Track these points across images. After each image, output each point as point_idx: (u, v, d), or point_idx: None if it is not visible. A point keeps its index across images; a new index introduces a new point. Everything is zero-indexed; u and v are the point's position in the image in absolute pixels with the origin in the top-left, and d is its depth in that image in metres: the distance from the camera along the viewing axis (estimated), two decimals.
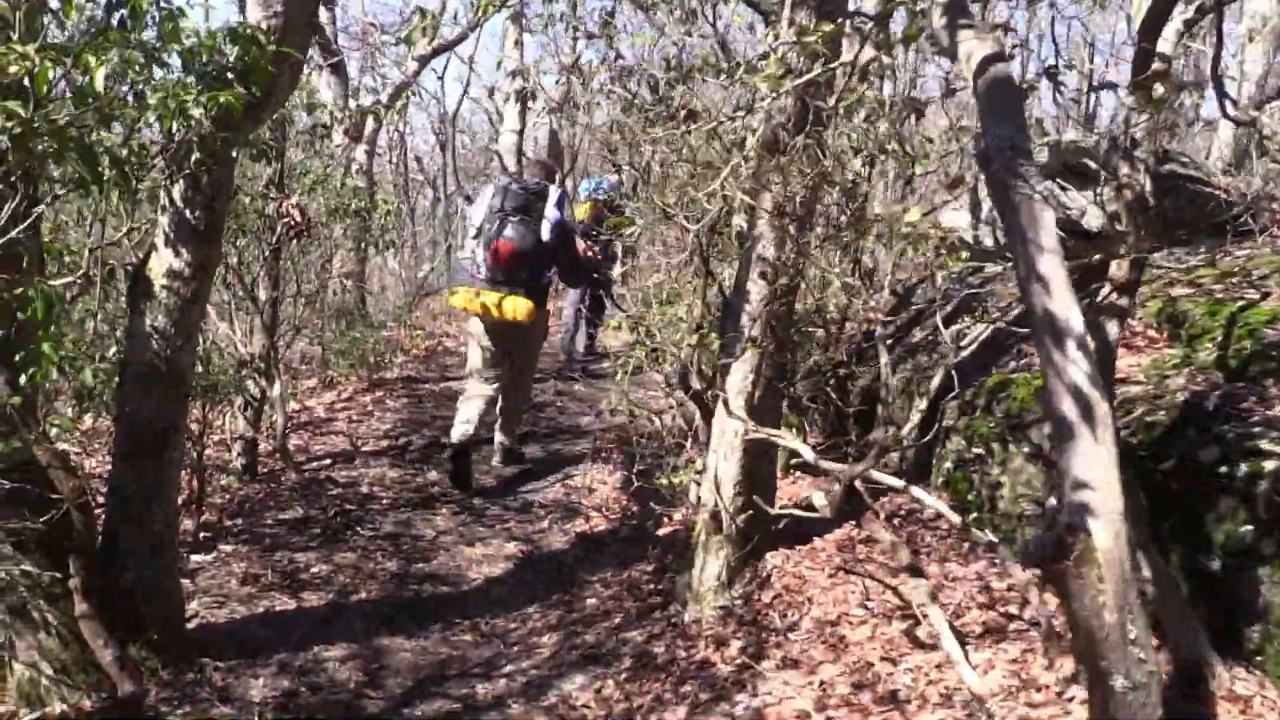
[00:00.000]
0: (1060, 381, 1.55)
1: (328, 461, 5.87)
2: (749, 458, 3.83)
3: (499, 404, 5.62)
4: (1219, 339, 3.70)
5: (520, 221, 5.11)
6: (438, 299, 13.31)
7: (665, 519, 4.98)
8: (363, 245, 6.75)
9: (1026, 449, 3.81)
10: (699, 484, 4.87)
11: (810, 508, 3.01)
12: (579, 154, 14.53)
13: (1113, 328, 2.61)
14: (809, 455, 2.99)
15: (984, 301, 5.26)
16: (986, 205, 5.96)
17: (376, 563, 4.54)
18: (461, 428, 5.40)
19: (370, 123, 11.42)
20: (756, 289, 3.70)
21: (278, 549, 4.56)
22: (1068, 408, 1.55)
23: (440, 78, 13.71)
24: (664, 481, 4.75)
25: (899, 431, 2.96)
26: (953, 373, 4.54)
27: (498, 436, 5.81)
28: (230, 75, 2.56)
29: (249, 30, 2.59)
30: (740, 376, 3.74)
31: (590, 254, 6.74)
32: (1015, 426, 3.92)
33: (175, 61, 2.49)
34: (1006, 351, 4.71)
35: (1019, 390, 4.05)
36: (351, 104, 11.83)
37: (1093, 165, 5.59)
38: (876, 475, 2.83)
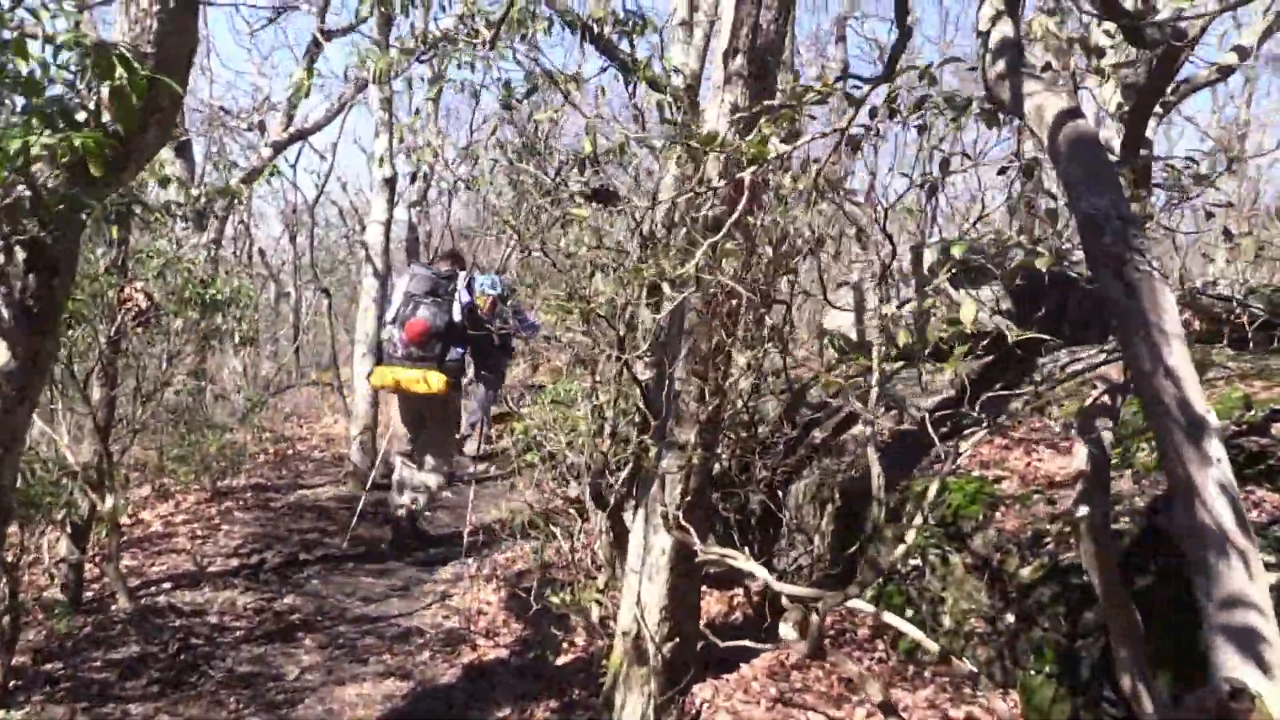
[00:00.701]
0: (1200, 488, 1.25)
1: (168, 586, 5.08)
2: (676, 577, 3.41)
3: (422, 466, 6.05)
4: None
5: (433, 303, 5.55)
6: (288, 398, 12.49)
7: (565, 645, 4.47)
8: (208, 340, 6.05)
9: (969, 560, 3.56)
10: (601, 604, 4.42)
11: (776, 640, 2.61)
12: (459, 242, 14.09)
13: (1108, 434, 2.38)
14: (769, 579, 2.61)
15: (898, 399, 5.07)
16: (872, 301, 5.86)
17: (230, 711, 3.83)
18: (407, 501, 6.00)
19: (216, 209, 10.71)
20: (687, 387, 3.34)
21: (107, 699, 3.79)
22: (1211, 518, 1.25)
23: (293, 166, 13.05)
24: (557, 600, 4.27)
25: (893, 555, 2.60)
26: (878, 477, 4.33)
27: (420, 496, 6.12)
28: (87, 112, 2.05)
29: (116, 51, 2.08)
30: (671, 486, 3.35)
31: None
32: (954, 535, 3.67)
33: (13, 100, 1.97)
34: (923, 452, 4.51)
35: (955, 495, 3.81)
36: (194, 191, 11.11)
37: (982, 262, 5.60)
38: (855, 602, 2.47)
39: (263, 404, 8.23)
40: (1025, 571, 3.23)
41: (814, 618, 2.42)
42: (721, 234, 2.41)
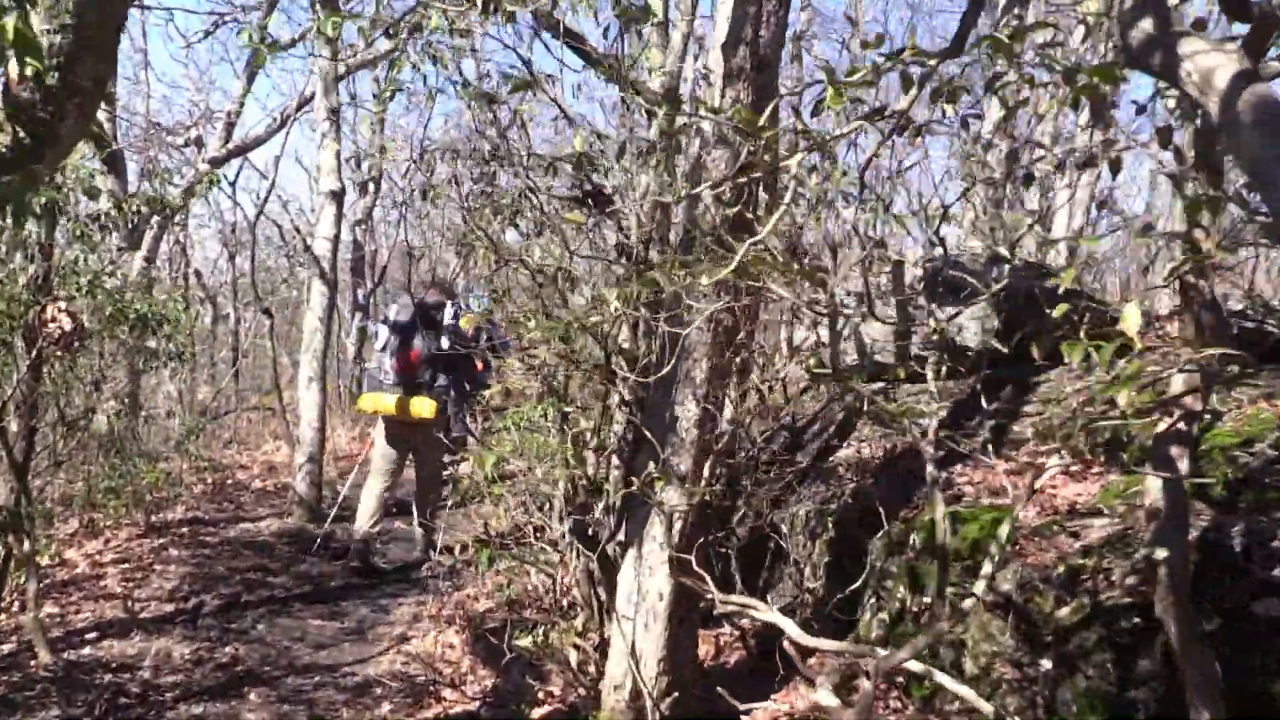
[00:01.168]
0: None
1: (94, 636, 4.59)
2: (674, 625, 3.07)
3: (416, 498, 6.31)
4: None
5: (423, 333, 5.76)
6: (226, 424, 11.88)
7: (541, 695, 4.09)
8: (139, 361, 5.57)
9: (990, 598, 3.26)
10: (579, 648, 4.05)
11: (818, 709, 2.27)
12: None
13: (1184, 463, 2.09)
14: (796, 633, 2.27)
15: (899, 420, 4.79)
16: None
17: None
18: (368, 521, 5.99)
19: (151, 228, 10.15)
20: (687, 412, 3.01)
21: None
22: None
23: (232, 184, 12.53)
24: (529, 643, 3.90)
25: (960, 604, 2.28)
26: (878, 507, 4.03)
27: (417, 530, 6.30)
28: None
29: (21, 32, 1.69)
30: (667, 523, 3.00)
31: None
32: (972, 569, 3.37)
33: None
34: (920, 478, 4.23)
35: (969, 526, 3.52)
36: (127, 206, 10.54)
37: (969, 280, 5.36)
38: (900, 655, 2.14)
39: (200, 430, 7.71)
40: (1063, 612, 2.94)
41: (863, 682, 2.09)
42: (766, 231, 2.08)
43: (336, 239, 7.23)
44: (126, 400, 6.22)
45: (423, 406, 5.74)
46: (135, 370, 5.99)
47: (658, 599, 3.02)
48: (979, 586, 2.22)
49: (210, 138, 11.54)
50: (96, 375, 5.29)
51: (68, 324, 4.10)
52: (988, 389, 4.83)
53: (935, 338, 4.79)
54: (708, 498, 3.07)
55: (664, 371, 3.04)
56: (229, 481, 8.34)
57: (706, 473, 3.02)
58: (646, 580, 3.04)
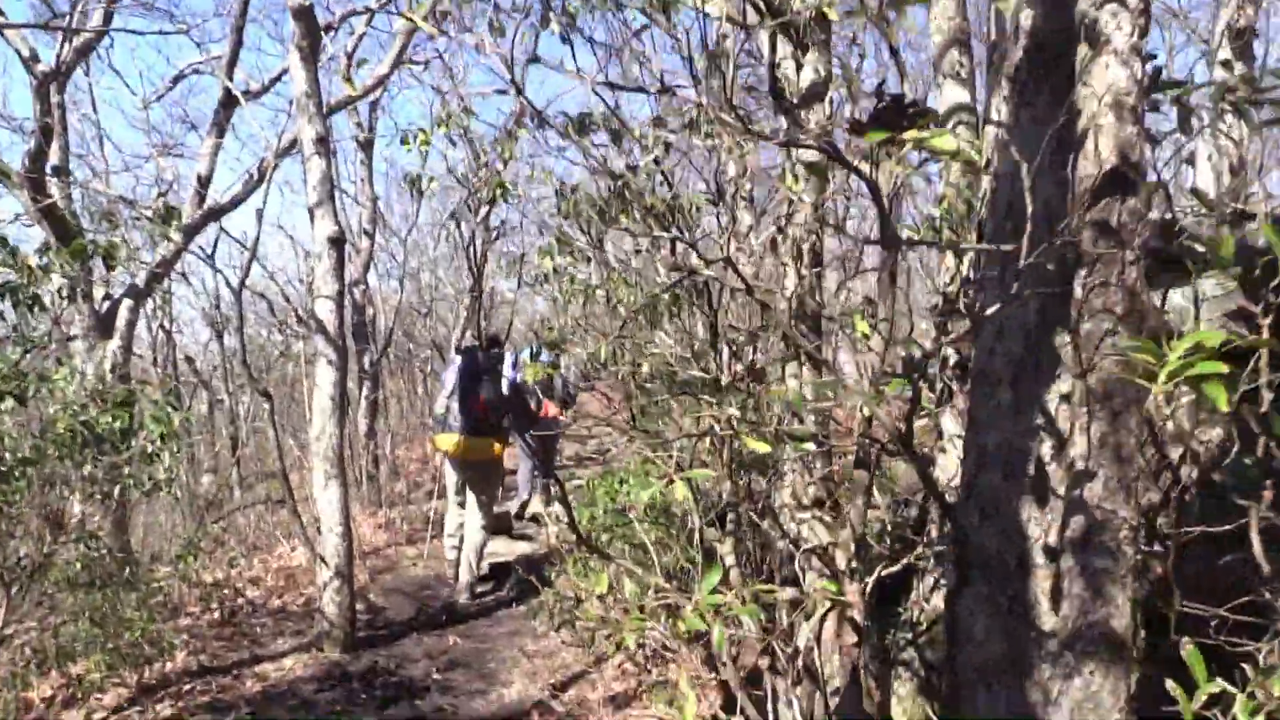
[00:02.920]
0: None
1: None
2: None
3: (463, 539, 6.86)
4: None
5: (488, 381, 6.30)
6: (234, 525, 10.48)
7: None
8: (111, 491, 4.18)
9: None
10: None
11: None
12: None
13: None
14: None
15: None
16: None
17: None
18: (467, 576, 6.80)
19: (124, 312, 8.81)
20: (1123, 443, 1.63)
21: None
22: None
23: (210, 257, 11.20)
24: None
25: None
26: None
27: (463, 576, 6.85)
28: None
29: None
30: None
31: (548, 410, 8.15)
32: None
33: None
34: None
35: None
36: (96, 290, 9.22)
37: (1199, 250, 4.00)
38: None
39: (200, 541, 6.29)
40: None
41: None
42: None
43: (341, 297, 5.87)
44: (100, 537, 4.77)
45: (487, 447, 6.38)
46: (108, 500, 4.54)
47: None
48: None
49: (181, 205, 10.26)
50: (47, 510, 3.89)
51: None
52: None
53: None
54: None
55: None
56: (238, 601, 6.91)
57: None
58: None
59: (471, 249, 15.16)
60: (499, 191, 3.24)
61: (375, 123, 12.75)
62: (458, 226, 15.16)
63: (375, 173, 13.00)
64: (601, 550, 3.00)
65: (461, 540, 6.84)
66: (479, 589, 7.01)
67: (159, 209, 9.68)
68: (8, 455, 3.44)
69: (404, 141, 3.12)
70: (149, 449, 3.98)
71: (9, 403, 3.60)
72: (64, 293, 3.53)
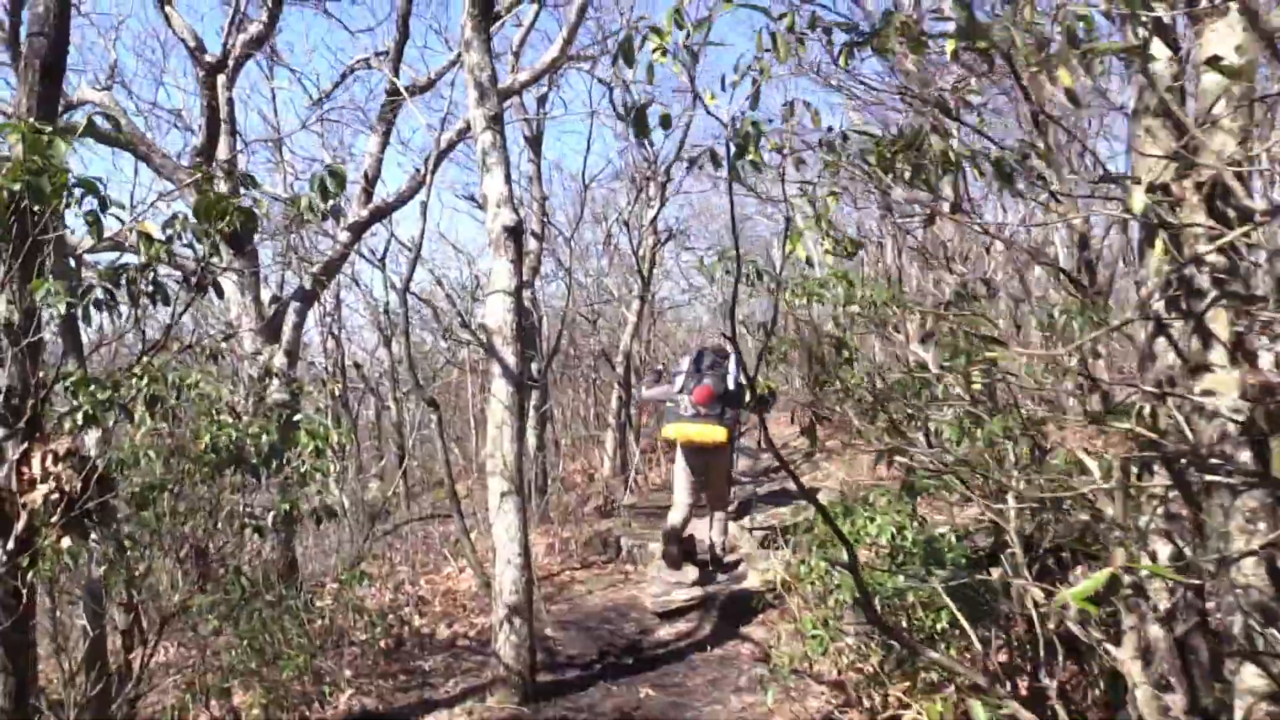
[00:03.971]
0: None
1: None
2: None
3: (707, 517, 7.30)
4: None
5: (713, 375, 6.83)
6: (398, 536, 10.05)
7: None
8: (272, 515, 3.50)
9: None
10: None
11: None
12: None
13: None
14: None
15: None
16: None
17: None
18: (673, 524, 6.92)
19: (290, 315, 8.43)
20: None
21: None
22: None
23: (382, 261, 10.87)
24: None
25: None
26: None
27: (711, 538, 7.30)
28: None
29: None
30: None
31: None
32: None
33: None
34: None
35: None
36: (265, 293, 8.90)
37: None
38: None
39: (363, 572, 5.66)
40: None
41: None
42: None
43: (518, 292, 5.12)
44: (247, 573, 4.09)
45: (715, 433, 6.72)
46: (262, 531, 3.85)
47: None
48: None
49: (348, 205, 9.91)
50: (189, 542, 3.25)
51: (66, 483, 2.02)
52: None
53: None
54: None
55: None
56: (403, 632, 6.28)
57: None
58: None
59: (640, 253, 14.48)
60: (751, 132, 2.33)
61: (543, 117, 12.16)
62: (625, 229, 14.52)
63: (542, 172, 12.40)
64: (912, 644, 2.05)
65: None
66: (670, 631, 6.22)
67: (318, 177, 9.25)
68: (137, 479, 2.81)
69: (625, 55, 2.26)
70: (303, 468, 3.30)
71: (143, 413, 2.94)
72: (198, 278, 2.86)
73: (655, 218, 14.12)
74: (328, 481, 3.78)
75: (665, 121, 2.52)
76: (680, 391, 6.95)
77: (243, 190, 3.09)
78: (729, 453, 7.26)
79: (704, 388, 6.75)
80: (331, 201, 3.14)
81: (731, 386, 6.83)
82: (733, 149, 2.51)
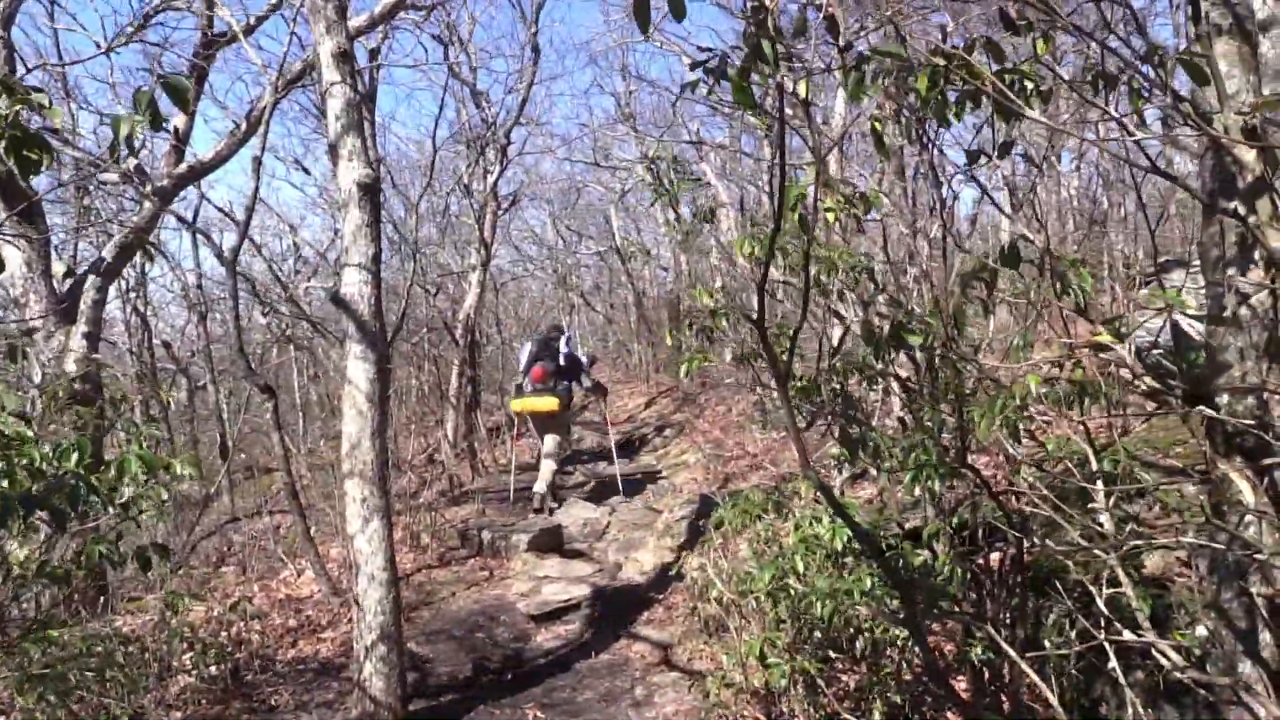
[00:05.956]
0: None
1: None
2: None
3: (541, 460, 8.89)
4: None
5: (546, 354, 8.53)
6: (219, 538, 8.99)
7: None
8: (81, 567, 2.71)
9: None
10: None
11: None
12: None
13: None
14: None
15: None
16: None
17: None
18: (543, 482, 8.63)
19: (90, 292, 7.27)
20: None
21: None
22: None
23: (192, 223, 9.72)
24: None
25: None
26: None
27: (538, 486, 8.63)
28: None
29: None
30: None
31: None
32: None
33: None
34: None
35: None
36: (57, 266, 7.69)
37: None
38: None
39: (185, 560, 4.76)
40: None
41: None
42: None
43: (376, 264, 4.39)
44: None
45: (548, 403, 8.36)
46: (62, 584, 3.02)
47: None
48: None
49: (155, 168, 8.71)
50: None
51: None
52: None
53: None
54: None
55: None
56: (244, 657, 5.44)
57: None
58: None
59: (481, 219, 13.64)
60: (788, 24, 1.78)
61: (376, 74, 11.17)
62: (466, 194, 13.64)
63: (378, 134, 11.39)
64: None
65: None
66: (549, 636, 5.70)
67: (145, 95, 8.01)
68: None
69: None
70: (123, 498, 2.53)
71: None
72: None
73: (496, 182, 13.37)
74: (161, 510, 3.01)
75: (678, 10, 1.97)
76: (524, 372, 8.72)
77: (26, 112, 2.27)
78: (564, 415, 8.89)
79: (538, 368, 8.48)
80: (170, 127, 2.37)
81: (563, 362, 8.52)
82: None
